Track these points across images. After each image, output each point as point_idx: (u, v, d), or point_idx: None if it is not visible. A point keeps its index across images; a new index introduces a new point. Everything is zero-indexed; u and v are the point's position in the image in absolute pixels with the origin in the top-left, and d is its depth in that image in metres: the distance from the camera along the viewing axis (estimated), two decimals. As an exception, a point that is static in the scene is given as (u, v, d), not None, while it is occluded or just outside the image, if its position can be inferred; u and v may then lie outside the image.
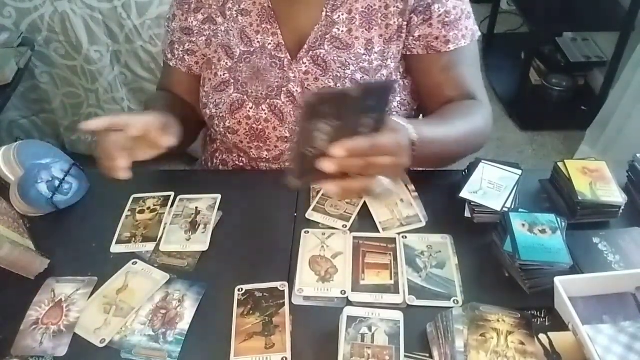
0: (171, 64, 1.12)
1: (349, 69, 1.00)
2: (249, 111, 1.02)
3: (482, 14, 3.10)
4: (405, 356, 0.70)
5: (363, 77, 1.00)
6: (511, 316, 0.74)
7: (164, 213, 0.95)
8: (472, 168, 0.94)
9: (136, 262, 0.87)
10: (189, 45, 1.08)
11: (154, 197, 0.99)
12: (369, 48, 1.00)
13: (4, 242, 0.83)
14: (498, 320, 0.73)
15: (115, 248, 0.90)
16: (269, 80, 1.02)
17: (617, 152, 2.12)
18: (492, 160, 0.95)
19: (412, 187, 0.98)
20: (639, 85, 2.05)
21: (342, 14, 0.99)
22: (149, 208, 0.97)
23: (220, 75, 1.04)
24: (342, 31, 0.99)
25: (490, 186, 0.90)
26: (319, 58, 1.00)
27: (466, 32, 1.00)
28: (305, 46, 1.00)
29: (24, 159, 0.96)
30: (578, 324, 0.70)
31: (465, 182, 0.91)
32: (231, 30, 1.04)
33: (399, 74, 1.04)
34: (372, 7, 0.99)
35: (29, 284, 0.84)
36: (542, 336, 0.72)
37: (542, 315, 0.76)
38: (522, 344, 0.71)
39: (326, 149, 0.70)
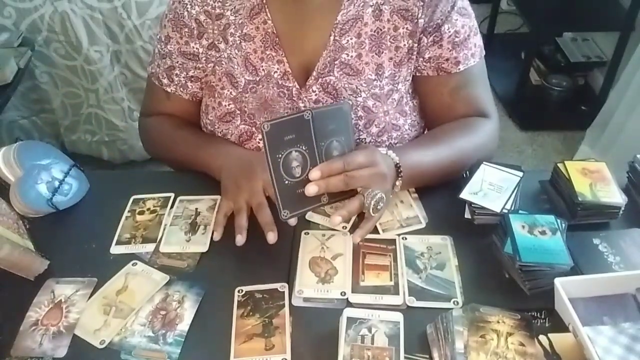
0: (169, 90, 1.06)
1: (361, 96, 0.97)
2: (258, 142, 1.01)
3: (482, 14, 3.09)
4: (405, 357, 0.70)
5: (375, 103, 0.98)
6: (511, 317, 0.74)
7: (164, 214, 0.95)
8: (473, 169, 0.94)
9: (136, 263, 0.87)
10: (193, 72, 1.03)
11: (153, 198, 0.99)
12: (380, 73, 0.97)
13: (3, 243, 0.82)
14: (498, 322, 0.73)
15: (115, 249, 0.90)
16: (278, 111, 0.99)
17: (617, 152, 2.12)
18: (493, 161, 0.95)
19: (412, 188, 0.98)
20: (639, 85, 2.05)
21: (351, 38, 0.95)
22: (148, 209, 0.97)
23: (225, 105, 1.01)
24: (352, 56, 0.96)
25: (490, 187, 0.90)
26: (329, 85, 0.97)
27: (475, 50, 0.99)
28: (314, 73, 0.97)
29: (24, 160, 0.96)
30: (578, 325, 0.71)
31: (466, 183, 0.91)
32: (234, 57, 0.98)
33: (408, 95, 1.02)
34: (381, 30, 0.95)
35: (28, 285, 0.84)
36: (542, 337, 0.72)
37: (542, 317, 0.76)
38: (522, 345, 0.71)
39: (303, 176, 0.80)
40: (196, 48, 1.01)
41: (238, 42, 0.98)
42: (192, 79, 1.04)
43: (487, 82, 1.05)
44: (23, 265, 0.85)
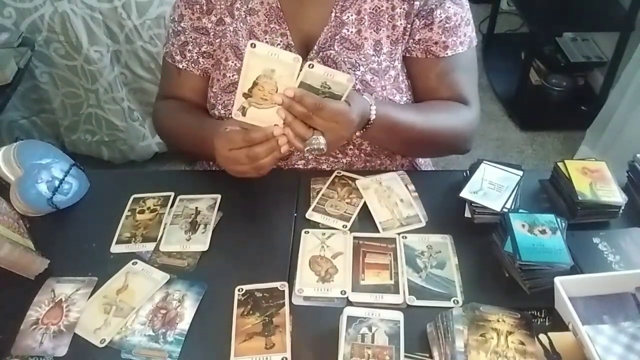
0: (180, 66, 1.08)
1: (359, 70, 1.00)
2: None
3: (482, 14, 3.09)
4: (405, 356, 0.70)
5: (373, 77, 1.00)
6: (511, 316, 0.74)
7: (164, 213, 0.95)
8: (473, 168, 0.94)
9: (136, 262, 0.87)
10: (206, 47, 1.06)
11: (154, 197, 0.99)
12: (378, 49, 1.00)
13: (4, 242, 0.83)
14: (498, 321, 0.73)
15: (115, 248, 0.90)
16: None
17: (617, 152, 2.11)
18: (494, 160, 0.95)
19: (412, 187, 0.98)
20: (639, 85, 2.05)
21: (351, 15, 0.99)
22: (149, 208, 0.97)
23: (229, 77, 1.03)
24: (352, 32, 0.99)
25: (490, 186, 0.90)
26: (329, 59, 1.00)
27: (464, 39, 1.02)
28: (315, 47, 1.00)
29: (24, 159, 0.96)
30: (578, 324, 0.71)
31: (466, 182, 0.91)
32: (239, 30, 1.02)
33: (404, 74, 1.05)
34: (379, 8, 0.99)
35: (29, 284, 0.84)
36: (542, 336, 0.72)
37: (542, 316, 0.76)
38: (522, 344, 0.71)
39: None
40: (206, 24, 1.04)
41: (243, 16, 1.02)
42: (204, 54, 1.07)
43: (475, 74, 1.08)
44: (23, 264, 0.85)
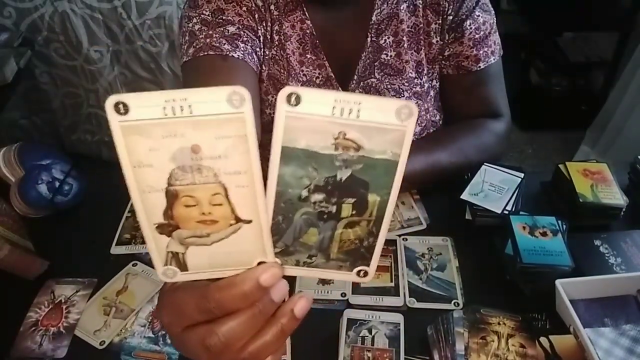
0: (235, 55, 0.82)
1: (403, 96, 0.95)
2: None
3: (482, 14, 3.09)
4: (406, 359, 0.70)
5: (417, 102, 0.94)
6: (512, 319, 0.74)
7: (164, 214, 0.95)
8: (474, 170, 0.94)
9: (136, 264, 0.87)
10: (260, 52, 0.88)
11: (154, 199, 0.98)
12: (420, 71, 0.95)
13: (3, 244, 0.82)
14: (499, 323, 0.73)
15: (115, 249, 0.90)
16: None
17: (617, 152, 2.12)
18: (494, 162, 0.95)
19: (413, 189, 0.98)
20: (639, 85, 2.05)
21: (388, 38, 0.92)
22: (149, 209, 0.96)
23: (268, 114, 0.94)
24: (391, 56, 0.93)
25: (491, 188, 0.90)
26: (372, 88, 0.94)
27: (494, 47, 0.97)
28: (355, 77, 0.94)
29: (24, 160, 0.96)
30: (579, 326, 0.70)
31: (467, 184, 0.91)
32: (280, 60, 0.91)
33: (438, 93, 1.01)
34: (417, 25, 0.92)
35: (28, 286, 0.84)
36: (542, 339, 0.72)
37: (543, 318, 0.76)
38: (523, 347, 0.70)
39: None
40: (257, 28, 0.88)
41: (283, 41, 0.91)
42: (257, 54, 0.88)
43: (503, 81, 1.02)
44: (23, 265, 0.84)
